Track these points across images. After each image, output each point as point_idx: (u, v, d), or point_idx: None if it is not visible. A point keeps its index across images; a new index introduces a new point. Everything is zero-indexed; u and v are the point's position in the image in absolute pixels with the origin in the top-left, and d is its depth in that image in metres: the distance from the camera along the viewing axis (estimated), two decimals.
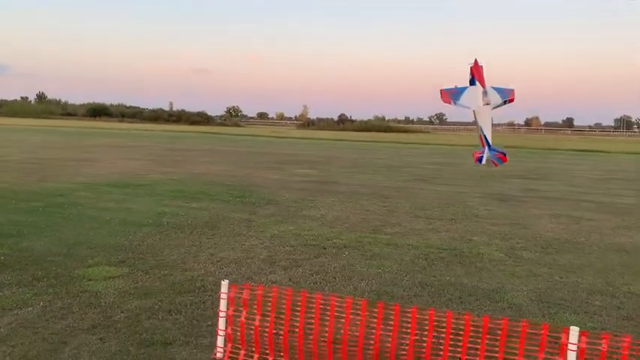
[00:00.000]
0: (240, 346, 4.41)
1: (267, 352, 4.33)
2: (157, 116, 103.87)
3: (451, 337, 3.93)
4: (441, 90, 6.01)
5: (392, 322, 4.06)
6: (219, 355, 4.44)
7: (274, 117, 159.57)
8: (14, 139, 34.48)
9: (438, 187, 16.44)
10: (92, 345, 4.63)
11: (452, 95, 6.08)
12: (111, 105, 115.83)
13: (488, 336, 3.89)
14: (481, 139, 6.56)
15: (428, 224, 10.59)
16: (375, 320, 4.08)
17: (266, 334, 4.30)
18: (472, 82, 6.21)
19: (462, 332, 3.90)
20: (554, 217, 11.71)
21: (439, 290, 6.55)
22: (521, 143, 49.81)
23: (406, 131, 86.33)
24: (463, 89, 6.09)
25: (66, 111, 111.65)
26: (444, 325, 3.97)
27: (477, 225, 10.65)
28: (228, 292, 4.40)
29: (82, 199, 12.13)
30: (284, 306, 4.30)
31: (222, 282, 4.40)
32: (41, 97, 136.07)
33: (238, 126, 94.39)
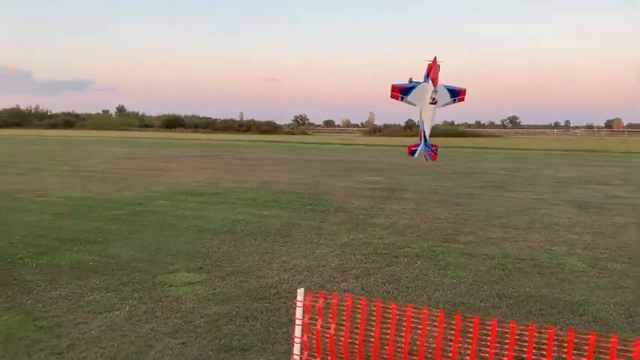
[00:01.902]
0: (315, 355, 4.46)
1: None
2: (228, 126, 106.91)
3: (534, 351, 3.79)
4: (392, 85, 6.25)
5: (471, 335, 3.97)
6: None
7: (340, 124, 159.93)
8: (97, 150, 36.63)
9: (512, 193, 15.89)
10: (175, 349, 4.82)
11: (402, 91, 6.35)
12: (185, 116, 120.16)
13: (574, 351, 3.72)
14: (420, 133, 6.87)
15: (504, 233, 10.26)
16: (453, 332, 4.00)
17: (341, 343, 4.32)
18: (427, 79, 6.48)
19: (545, 347, 3.75)
20: None
21: (518, 302, 6.33)
22: (602, 147, 47.31)
23: (477, 135, 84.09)
24: (415, 85, 6.33)
25: (143, 123, 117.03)
26: (526, 338, 3.83)
27: (557, 234, 10.19)
28: (304, 299, 4.46)
29: (161, 207, 12.68)
30: (359, 315, 4.30)
31: (298, 290, 4.46)
32: (121, 110, 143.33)
33: (305, 134, 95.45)
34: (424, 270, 7.63)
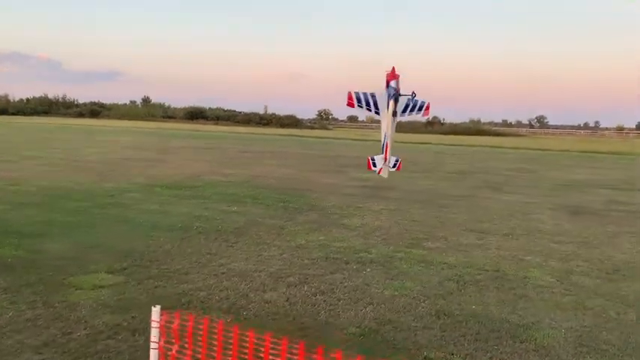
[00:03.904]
0: None
1: None
2: (249, 119, 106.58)
3: None
4: (349, 92, 6.85)
5: None
6: None
7: (365, 120, 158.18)
8: (107, 140, 36.51)
9: (506, 196, 14.95)
10: None
11: (357, 99, 6.93)
12: (209, 108, 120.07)
13: None
14: (386, 146, 7.25)
15: (478, 239, 9.44)
16: None
17: None
18: (389, 89, 6.98)
19: None
20: (634, 236, 10.04)
21: (456, 322, 5.55)
22: (626, 149, 45.46)
23: (499, 134, 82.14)
24: (371, 95, 6.86)
25: (167, 114, 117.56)
26: None
27: (536, 242, 9.33)
28: (160, 319, 3.80)
29: (130, 201, 12.17)
30: (215, 341, 3.63)
31: (153, 308, 3.80)
32: (146, 100, 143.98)
33: (326, 129, 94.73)
34: (369, 279, 6.90)
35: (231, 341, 3.55)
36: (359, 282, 6.78)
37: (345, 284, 6.67)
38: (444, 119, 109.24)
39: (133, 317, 5.34)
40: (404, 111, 8.14)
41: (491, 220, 11.22)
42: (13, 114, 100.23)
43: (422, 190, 15.11)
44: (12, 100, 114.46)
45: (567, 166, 26.42)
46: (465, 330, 5.35)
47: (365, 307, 5.88)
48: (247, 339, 3.51)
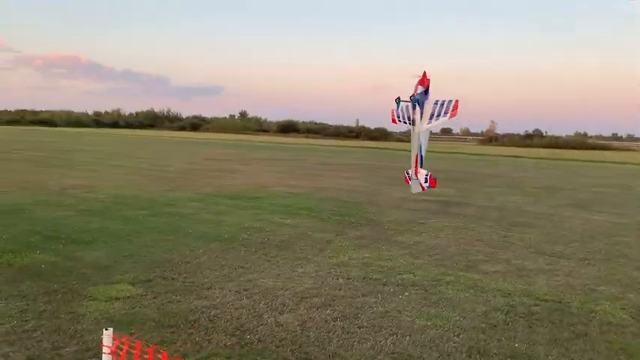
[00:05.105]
0: None
1: None
2: (339, 132, 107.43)
3: None
4: (392, 110, 6.47)
5: None
6: None
7: (459, 132, 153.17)
8: (194, 151, 37.95)
9: (594, 215, 13.34)
10: None
11: (397, 116, 6.56)
12: (302, 122, 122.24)
13: None
14: (416, 159, 6.52)
15: (547, 263, 8.31)
16: None
17: None
18: (422, 95, 6.35)
19: None
20: None
21: None
22: None
23: (605, 148, 76.05)
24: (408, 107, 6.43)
25: (261, 127, 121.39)
26: None
27: (617, 269, 8.04)
28: (112, 344, 3.40)
29: (188, 210, 12.18)
30: None
31: (105, 331, 3.41)
32: (243, 114, 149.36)
33: None
34: (403, 305, 6.15)
35: None
36: (390, 307, 6.06)
37: (374, 309, 5.98)
38: (546, 132, 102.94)
39: (130, 334, 5.01)
40: (430, 118, 7.41)
41: (567, 242, 9.94)
42: (122, 127, 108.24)
43: (498, 207, 13.89)
44: (123, 114, 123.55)
45: None
46: None
47: (386, 338, 5.17)
48: None
